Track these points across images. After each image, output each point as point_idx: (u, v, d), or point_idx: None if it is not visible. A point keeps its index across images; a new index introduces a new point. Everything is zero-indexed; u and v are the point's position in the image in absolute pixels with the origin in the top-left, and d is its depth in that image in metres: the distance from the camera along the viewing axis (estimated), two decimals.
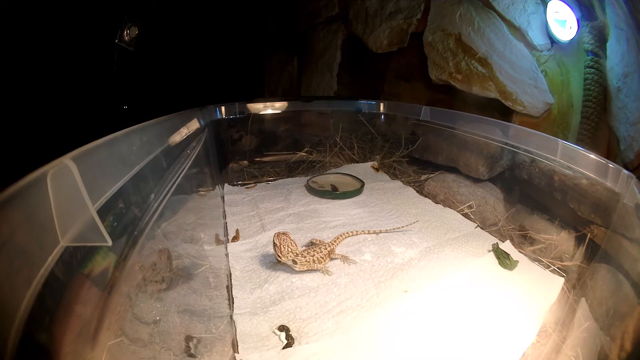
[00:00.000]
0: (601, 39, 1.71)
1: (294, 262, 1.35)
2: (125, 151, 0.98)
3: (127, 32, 2.11)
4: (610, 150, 1.74)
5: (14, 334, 0.50)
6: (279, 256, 1.35)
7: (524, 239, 1.66)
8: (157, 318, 0.92)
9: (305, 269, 1.37)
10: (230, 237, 1.67)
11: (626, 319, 0.94)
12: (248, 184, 2.30)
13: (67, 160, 0.69)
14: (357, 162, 2.63)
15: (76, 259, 0.69)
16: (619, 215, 1.24)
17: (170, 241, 1.16)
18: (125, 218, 0.90)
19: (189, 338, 0.99)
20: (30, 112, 1.86)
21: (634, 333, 0.86)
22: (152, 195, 1.09)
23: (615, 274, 1.13)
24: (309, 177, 2.29)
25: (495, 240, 1.61)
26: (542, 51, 1.96)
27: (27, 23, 1.78)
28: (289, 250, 1.34)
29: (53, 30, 1.87)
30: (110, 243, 0.73)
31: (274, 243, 1.36)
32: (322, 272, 1.39)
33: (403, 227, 1.70)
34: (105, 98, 2.13)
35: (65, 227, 0.64)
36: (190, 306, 1.11)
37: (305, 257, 1.36)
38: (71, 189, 0.68)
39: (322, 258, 1.41)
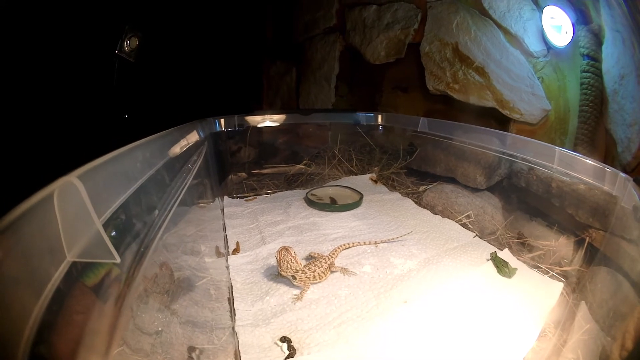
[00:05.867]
0: (597, 42, 1.72)
1: (293, 277, 1.36)
2: (130, 167, 0.99)
3: (127, 43, 2.12)
4: (607, 153, 1.75)
5: (23, 346, 0.51)
6: (279, 271, 1.37)
7: (522, 247, 1.67)
8: (160, 329, 0.92)
9: (303, 284, 1.37)
10: (230, 250, 1.67)
11: (627, 318, 0.95)
12: (247, 196, 2.30)
13: (72, 179, 0.70)
14: (356, 174, 2.62)
15: (82, 274, 0.70)
16: (617, 218, 1.25)
17: (171, 253, 1.17)
18: (130, 233, 0.91)
19: (191, 349, 0.99)
20: (32, 121, 1.86)
21: (635, 332, 0.87)
22: (157, 211, 1.10)
23: (615, 275, 1.13)
24: (308, 190, 2.29)
25: (493, 248, 1.61)
26: (538, 57, 1.97)
27: (28, 33, 1.80)
28: (289, 266, 1.34)
29: (54, 40, 1.88)
30: (118, 260, 0.73)
31: (276, 258, 1.37)
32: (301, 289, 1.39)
33: (398, 237, 1.72)
34: (106, 107, 2.14)
35: (73, 244, 0.65)
36: (192, 317, 1.11)
37: (305, 273, 1.36)
38: (78, 207, 0.69)
39: (323, 273, 1.41)
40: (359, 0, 2.95)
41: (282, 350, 1.09)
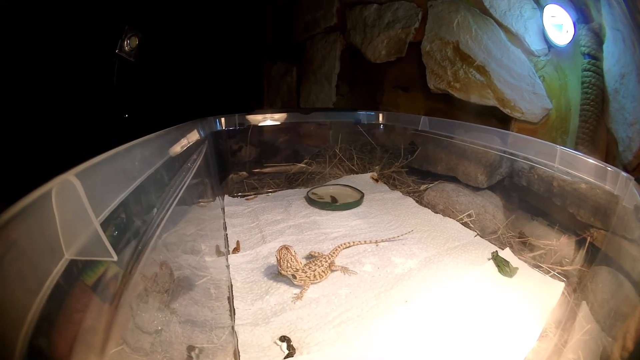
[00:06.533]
0: (598, 41, 1.72)
1: (293, 276, 1.36)
2: (128, 166, 0.99)
3: (127, 43, 2.12)
4: (609, 152, 1.74)
5: (20, 342, 0.51)
6: (279, 270, 1.37)
7: (523, 246, 1.66)
8: (159, 328, 0.92)
9: (303, 284, 1.37)
10: (230, 249, 1.67)
11: (628, 319, 0.95)
12: (248, 195, 2.30)
13: (70, 177, 0.69)
14: (357, 173, 2.63)
15: (81, 272, 0.70)
16: (618, 218, 1.25)
17: (171, 252, 1.17)
18: (129, 232, 0.91)
19: (191, 348, 0.99)
20: (33, 120, 1.86)
21: (636, 332, 0.87)
22: (155, 210, 1.10)
23: (616, 275, 1.13)
24: (308, 189, 2.29)
25: (494, 248, 1.61)
26: (539, 56, 1.97)
27: (28, 33, 1.80)
28: (289, 265, 1.34)
29: (54, 40, 1.88)
30: (115, 258, 0.73)
31: (276, 257, 1.37)
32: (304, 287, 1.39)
33: (398, 236, 1.71)
34: (107, 106, 2.14)
35: (70, 242, 0.65)
36: (192, 317, 1.11)
37: (306, 272, 1.36)
38: (75, 205, 0.69)
39: (323, 272, 1.41)
40: None
41: (281, 349, 1.09)
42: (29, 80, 1.84)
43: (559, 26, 1.84)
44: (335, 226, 1.88)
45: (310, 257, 1.55)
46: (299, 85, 3.71)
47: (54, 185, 0.66)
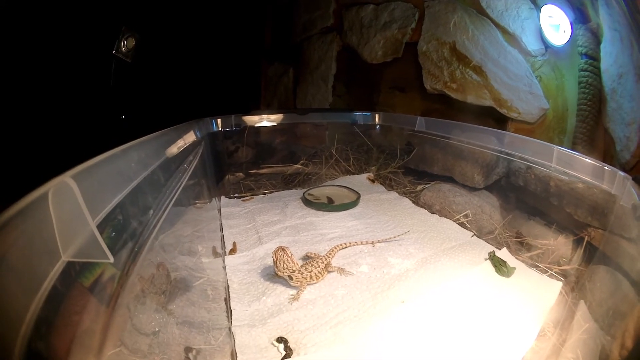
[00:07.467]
0: (595, 41, 1.73)
1: (290, 277, 1.35)
2: (125, 167, 0.99)
3: (124, 43, 2.12)
4: (606, 151, 1.75)
5: (19, 344, 0.51)
6: (276, 271, 1.37)
7: (521, 246, 1.66)
8: (157, 329, 0.92)
9: (299, 285, 1.37)
10: (227, 250, 1.67)
11: (626, 317, 0.95)
12: (244, 196, 2.30)
13: (67, 179, 0.69)
14: (353, 174, 2.62)
15: (78, 273, 0.70)
16: (616, 217, 1.25)
17: (168, 253, 1.16)
18: (125, 233, 0.90)
19: (188, 349, 0.99)
20: (30, 121, 1.86)
21: (635, 331, 0.87)
22: (152, 211, 1.10)
23: (614, 274, 1.13)
24: (305, 190, 2.28)
25: (492, 248, 1.60)
26: (536, 57, 1.97)
27: (26, 34, 1.79)
28: (285, 266, 1.34)
29: (51, 41, 1.88)
30: (111, 260, 0.73)
31: (273, 258, 1.37)
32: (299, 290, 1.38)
33: (395, 237, 1.71)
34: (104, 107, 2.14)
35: (67, 244, 0.65)
36: (189, 318, 1.11)
37: (302, 273, 1.36)
38: (72, 207, 0.69)
39: (320, 273, 1.41)
40: (356, 0, 2.95)
41: (278, 350, 1.09)
42: (26, 81, 1.83)
43: (556, 26, 1.85)
44: (331, 227, 1.87)
45: (307, 258, 1.55)
46: (296, 86, 3.70)
47: (51, 187, 0.66)
